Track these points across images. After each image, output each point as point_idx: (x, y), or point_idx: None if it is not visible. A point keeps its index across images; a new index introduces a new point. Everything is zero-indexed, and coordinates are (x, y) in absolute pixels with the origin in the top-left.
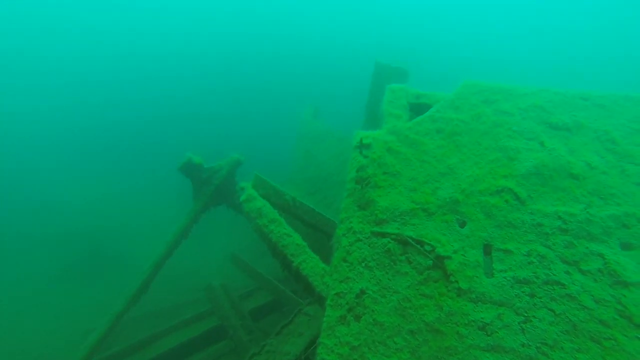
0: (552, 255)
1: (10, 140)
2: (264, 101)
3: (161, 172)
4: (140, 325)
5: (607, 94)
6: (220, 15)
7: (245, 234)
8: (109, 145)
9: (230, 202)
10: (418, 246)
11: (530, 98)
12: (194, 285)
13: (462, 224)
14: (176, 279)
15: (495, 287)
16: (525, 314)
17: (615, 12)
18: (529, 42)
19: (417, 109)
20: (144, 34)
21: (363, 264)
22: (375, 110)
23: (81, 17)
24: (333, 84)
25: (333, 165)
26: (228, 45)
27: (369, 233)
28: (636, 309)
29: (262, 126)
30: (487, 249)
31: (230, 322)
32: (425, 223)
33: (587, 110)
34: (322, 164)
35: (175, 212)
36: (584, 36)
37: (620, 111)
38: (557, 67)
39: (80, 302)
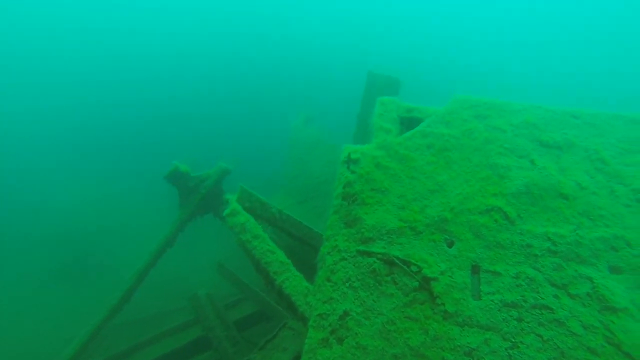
0: (540, 278)
1: (3, 140)
2: (256, 107)
3: (152, 175)
4: (123, 333)
5: (597, 113)
6: (213, 19)
7: (232, 242)
8: (101, 147)
9: (217, 211)
10: (404, 267)
11: (523, 114)
12: (180, 292)
13: (450, 244)
14: (162, 285)
15: (482, 310)
16: (513, 340)
17: (607, 27)
18: (525, 54)
19: (408, 122)
20: (137, 37)
21: (347, 284)
22: (367, 120)
23: (76, 18)
24: (326, 91)
25: (324, 173)
26: (221, 50)
27: (354, 252)
28: (624, 336)
29: (253, 132)
30: (475, 271)
31: (215, 333)
32: (413, 242)
33: (578, 129)
34: (313, 173)
35: (166, 216)
36: (577, 51)
37: (611, 130)
38: (550, 80)
39: (66, 308)
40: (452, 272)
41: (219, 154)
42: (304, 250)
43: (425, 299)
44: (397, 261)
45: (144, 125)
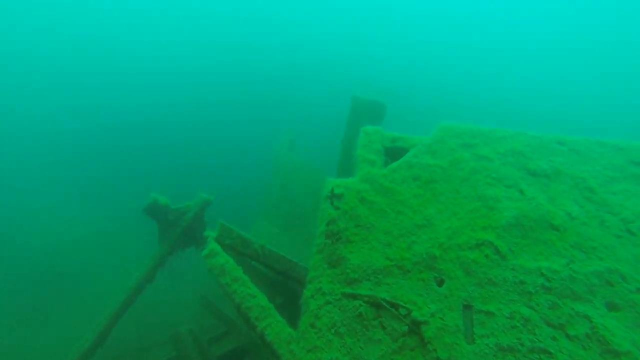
0: (536, 318)
1: None
2: (236, 131)
3: (130, 206)
4: None
5: (581, 139)
6: (195, 38)
7: None
8: (74, 173)
9: (199, 244)
10: (392, 309)
11: (509, 142)
12: (161, 325)
13: (440, 282)
14: (141, 317)
15: (477, 356)
16: None
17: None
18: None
19: (393, 153)
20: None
21: (332, 330)
22: (352, 146)
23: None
24: (310, 113)
25: (309, 200)
26: (202, 71)
27: (339, 294)
28: None
29: (235, 156)
30: (467, 311)
31: None
32: (401, 282)
33: (563, 156)
34: (298, 199)
35: (144, 250)
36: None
37: (595, 157)
38: (536, 100)
39: (37, 347)
40: (444, 314)
41: (200, 180)
42: (287, 286)
43: (416, 345)
44: (384, 304)
45: (119, 151)
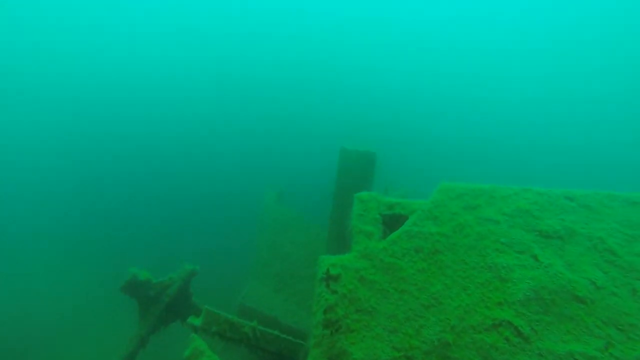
0: None
1: None
2: (223, 184)
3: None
4: None
5: (590, 193)
6: (169, 98)
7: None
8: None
9: (185, 319)
10: None
11: (514, 200)
12: None
13: None
14: None
15: None
16: None
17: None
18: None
19: (391, 221)
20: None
21: None
22: (343, 202)
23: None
24: (299, 164)
25: (301, 257)
26: (186, 122)
27: None
28: None
29: (221, 213)
30: None
31: None
32: None
33: (575, 213)
34: (289, 256)
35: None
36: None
37: (609, 213)
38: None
39: None
40: None
41: (184, 241)
42: None
43: None
44: None
45: (93, 213)
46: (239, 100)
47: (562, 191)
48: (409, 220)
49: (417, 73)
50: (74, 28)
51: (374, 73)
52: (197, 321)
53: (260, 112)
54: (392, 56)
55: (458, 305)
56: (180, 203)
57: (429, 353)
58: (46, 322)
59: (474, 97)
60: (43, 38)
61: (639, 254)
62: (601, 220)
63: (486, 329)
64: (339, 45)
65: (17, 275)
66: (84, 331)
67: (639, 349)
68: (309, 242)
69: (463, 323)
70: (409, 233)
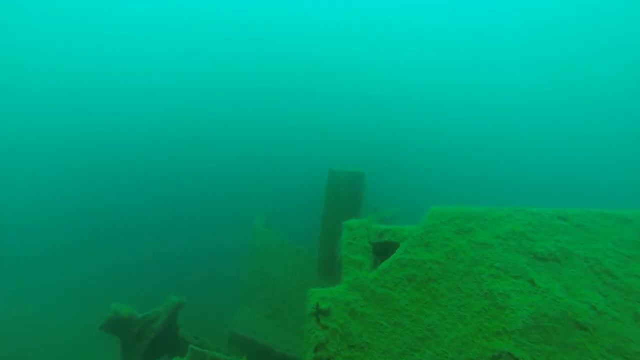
0: None
1: None
2: (210, 210)
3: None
4: None
5: (583, 212)
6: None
7: None
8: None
9: (172, 353)
10: None
11: (507, 223)
12: None
13: None
14: None
15: None
16: None
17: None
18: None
19: (382, 249)
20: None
21: None
22: (332, 224)
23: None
24: (288, 187)
25: (291, 282)
26: (172, 143)
27: None
28: None
29: (208, 239)
30: None
31: None
32: None
33: (568, 234)
34: (279, 282)
35: None
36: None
37: (603, 232)
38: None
39: None
40: None
41: (170, 272)
42: None
43: None
44: None
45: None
46: (224, 123)
47: (555, 210)
48: (400, 248)
49: (405, 91)
50: (80, 29)
51: (362, 92)
52: None
53: (246, 135)
54: (380, 76)
55: (455, 337)
56: (165, 230)
57: None
58: None
59: (464, 114)
60: (49, 38)
61: (638, 275)
62: (596, 240)
63: None
64: (327, 65)
65: None
66: None
67: None
68: (300, 266)
69: (461, 356)
70: (401, 261)
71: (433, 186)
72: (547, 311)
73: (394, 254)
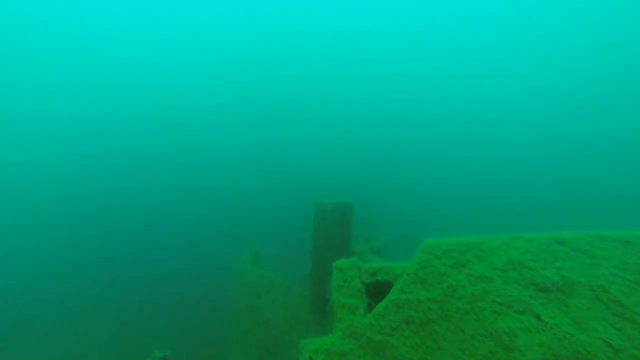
0: None
1: None
2: (194, 246)
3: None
4: None
5: (580, 235)
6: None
7: None
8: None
9: None
10: None
11: (505, 252)
12: None
13: None
14: None
15: None
16: None
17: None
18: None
19: (375, 289)
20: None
21: None
22: (322, 258)
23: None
24: (275, 222)
25: (283, 321)
26: (155, 186)
27: None
28: None
29: (193, 276)
30: None
31: None
32: None
33: (569, 259)
34: (270, 322)
35: None
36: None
37: (604, 256)
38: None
39: None
40: None
41: (153, 319)
42: None
43: None
44: None
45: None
46: (206, 152)
47: (552, 235)
48: (395, 287)
49: (393, 118)
50: (79, 29)
51: (349, 118)
52: None
53: (227, 170)
54: (367, 98)
55: None
56: (146, 274)
57: None
58: None
59: (454, 138)
60: (49, 38)
61: None
62: (598, 265)
63: None
64: (313, 89)
65: None
66: None
67: None
68: (291, 304)
69: None
70: (397, 303)
71: (424, 214)
72: (560, 351)
73: (389, 295)
